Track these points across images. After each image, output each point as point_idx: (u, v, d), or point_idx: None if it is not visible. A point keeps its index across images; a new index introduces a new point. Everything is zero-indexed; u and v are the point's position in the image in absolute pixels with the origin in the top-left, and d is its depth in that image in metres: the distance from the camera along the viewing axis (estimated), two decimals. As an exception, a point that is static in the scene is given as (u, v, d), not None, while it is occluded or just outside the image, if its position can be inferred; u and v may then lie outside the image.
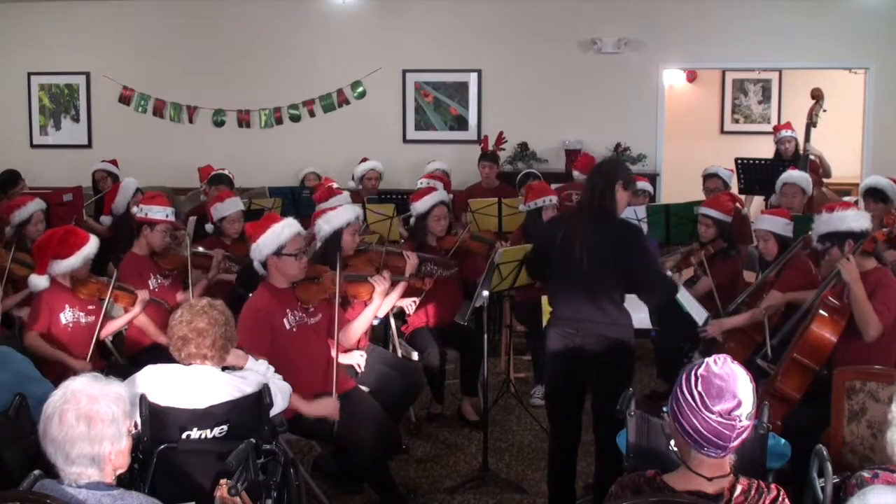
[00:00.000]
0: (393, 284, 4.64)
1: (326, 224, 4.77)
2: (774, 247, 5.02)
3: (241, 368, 3.46)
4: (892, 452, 2.50)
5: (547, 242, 4.12)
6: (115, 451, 2.43)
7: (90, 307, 4.64)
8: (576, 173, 7.54)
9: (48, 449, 2.40)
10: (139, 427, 2.96)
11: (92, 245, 4.63)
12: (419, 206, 5.65)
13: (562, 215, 5.21)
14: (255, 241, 4.13)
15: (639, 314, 4.13)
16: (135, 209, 5.27)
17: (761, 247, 5.13)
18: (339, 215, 4.81)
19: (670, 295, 4.19)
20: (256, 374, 3.34)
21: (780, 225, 5.03)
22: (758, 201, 8.03)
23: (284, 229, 4.12)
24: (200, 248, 5.48)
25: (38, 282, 4.53)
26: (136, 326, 4.92)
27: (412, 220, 5.85)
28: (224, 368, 3.27)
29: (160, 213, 5.13)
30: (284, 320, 4.10)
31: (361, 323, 4.49)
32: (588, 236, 3.85)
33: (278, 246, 4.10)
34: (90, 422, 2.38)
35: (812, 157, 7.41)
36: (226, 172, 7.23)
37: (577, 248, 3.84)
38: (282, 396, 3.38)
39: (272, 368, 3.55)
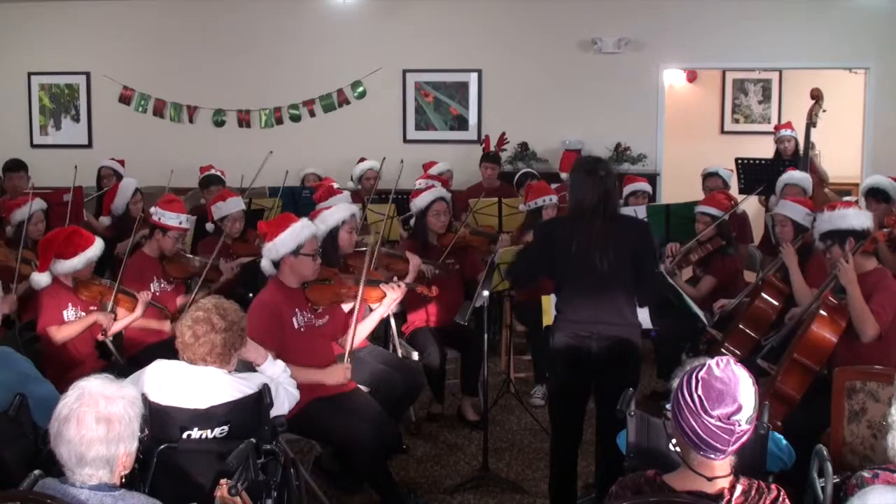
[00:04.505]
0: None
1: (322, 223, 4.78)
2: (791, 231, 5.07)
3: (257, 365, 3.45)
4: (893, 455, 2.50)
5: (547, 243, 4.03)
6: (127, 454, 2.44)
7: (92, 308, 4.64)
8: (564, 175, 7.50)
9: (60, 449, 2.38)
10: (145, 431, 2.96)
11: (96, 248, 4.62)
12: (418, 202, 5.67)
13: (561, 217, 5.19)
14: (272, 239, 4.12)
15: (639, 314, 4.12)
16: (151, 210, 5.22)
17: (778, 230, 5.18)
18: (333, 214, 4.82)
19: (662, 294, 4.14)
20: (263, 376, 3.33)
21: (800, 213, 5.08)
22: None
23: (304, 229, 4.14)
24: (207, 259, 5.37)
25: (40, 279, 4.53)
26: (135, 327, 4.91)
27: (412, 221, 5.85)
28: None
29: (173, 219, 5.10)
30: (293, 319, 4.12)
31: (366, 327, 4.47)
32: (608, 241, 3.78)
33: (297, 245, 4.10)
34: (109, 424, 2.38)
35: (812, 155, 7.41)
36: (215, 172, 7.20)
37: (598, 254, 3.77)
38: (288, 402, 3.38)
39: (289, 371, 3.54)
